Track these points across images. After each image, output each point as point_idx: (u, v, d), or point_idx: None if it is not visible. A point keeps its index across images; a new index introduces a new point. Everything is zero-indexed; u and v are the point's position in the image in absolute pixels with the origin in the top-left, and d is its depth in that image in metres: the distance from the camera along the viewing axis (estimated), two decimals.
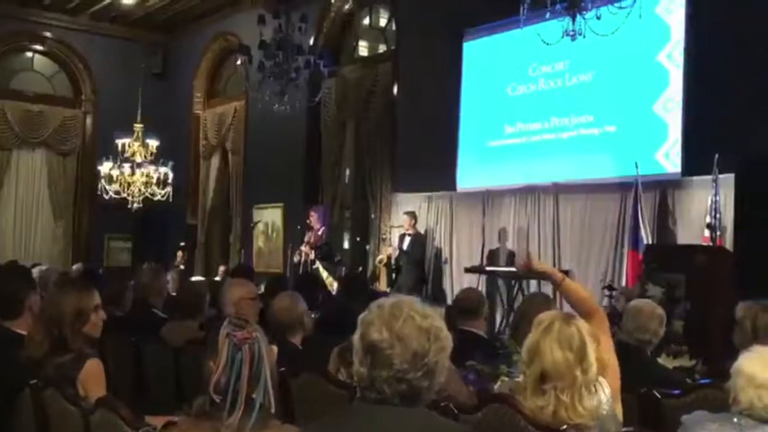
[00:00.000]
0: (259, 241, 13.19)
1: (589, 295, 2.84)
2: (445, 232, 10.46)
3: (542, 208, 9.24)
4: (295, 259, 10.21)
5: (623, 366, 2.69)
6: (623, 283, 7.55)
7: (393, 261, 10.19)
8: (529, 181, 9.39)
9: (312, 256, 9.95)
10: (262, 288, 5.87)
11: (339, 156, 12.16)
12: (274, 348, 2.21)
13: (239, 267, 8.45)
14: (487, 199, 9.85)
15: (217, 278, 11.76)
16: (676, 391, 3.21)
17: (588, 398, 2.36)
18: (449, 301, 8.64)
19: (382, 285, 10.08)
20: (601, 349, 2.49)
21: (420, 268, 10.10)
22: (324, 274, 9.66)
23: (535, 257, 3.05)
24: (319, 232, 10.10)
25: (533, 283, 8.81)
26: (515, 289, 9.02)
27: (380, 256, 10.47)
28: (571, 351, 2.38)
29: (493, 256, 9.70)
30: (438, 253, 10.50)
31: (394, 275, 10.07)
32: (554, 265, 8.50)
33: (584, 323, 2.48)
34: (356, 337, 1.77)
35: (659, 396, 3.13)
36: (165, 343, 4.30)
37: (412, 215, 10.15)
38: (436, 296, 10.08)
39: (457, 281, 10.06)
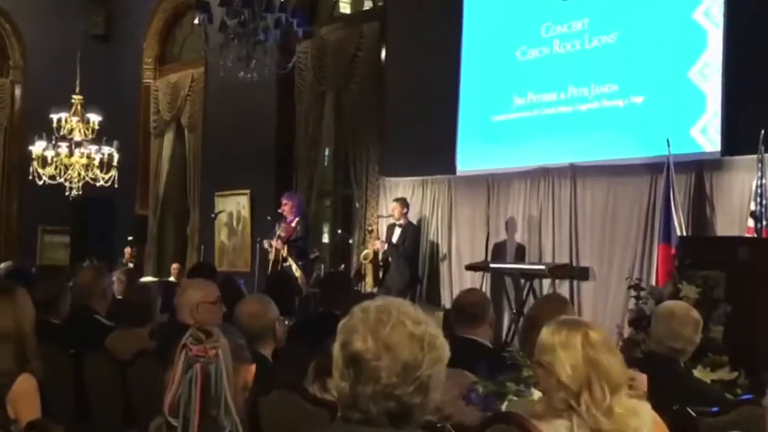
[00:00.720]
0: (221, 235, 13.23)
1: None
2: (443, 223, 10.51)
3: (557, 193, 9.30)
4: (265, 245, 10.23)
5: (652, 379, 2.78)
6: (652, 282, 7.59)
7: (381, 256, 10.23)
8: (542, 162, 9.45)
9: (285, 252, 9.94)
10: None
11: (316, 133, 12.20)
12: (252, 367, 2.23)
13: (198, 265, 8.33)
14: (492, 183, 9.93)
15: (172, 279, 11.96)
16: (715, 409, 3.23)
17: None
18: (447, 305, 8.83)
19: (369, 285, 10.14)
20: None
21: (412, 265, 10.16)
22: (297, 273, 9.70)
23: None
24: (293, 224, 9.97)
25: (546, 282, 8.94)
26: (526, 289, 9.08)
27: (365, 251, 10.53)
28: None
29: (499, 251, 9.76)
30: (434, 247, 10.55)
31: (381, 273, 10.12)
32: (571, 261, 8.85)
33: (601, 330, 2.55)
34: (336, 347, 1.78)
35: (695, 414, 3.15)
36: (110, 355, 4.33)
37: (403, 202, 10.22)
38: (432, 298, 10.26)
39: (456, 281, 10.12)
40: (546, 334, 2.54)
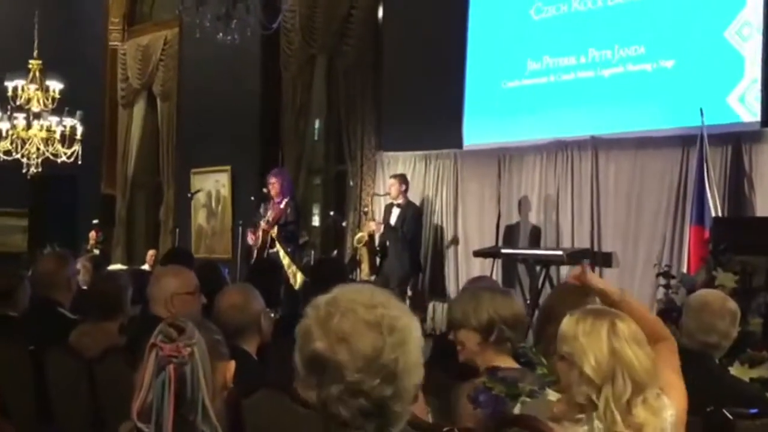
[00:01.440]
0: (199, 218, 13.24)
1: (656, 319, 2.96)
2: (448, 204, 10.60)
3: (577, 169, 9.34)
4: (249, 240, 10.09)
5: (684, 378, 2.76)
6: (683, 269, 7.60)
7: (377, 240, 10.26)
8: (560, 134, 9.50)
9: (275, 233, 9.86)
10: None
11: (305, 102, 12.20)
12: (231, 364, 2.22)
13: (173, 251, 8.33)
14: (504, 159, 10.03)
15: (144, 267, 11.98)
16: (754, 410, 3.21)
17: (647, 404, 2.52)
18: (453, 295, 8.96)
19: (365, 273, 10.14)
20: (668, 390, 2.62)
21: (413, 250, 10.19)
22: (285, 260, 9.64)
23: (591, 272, 3.09)
24: (281, 205, 9.83)
25: (565, 269, 8.96)
26: (541, 277, 9.11)
27: (359, 234, 10.54)
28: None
29: (511, 235, 9.87)
30: (438, 231, 10.64)
31: (378, 260, 10.14)
32: (592, 246, 8.90)
33: (630, 321, 2.59)
34: (295, 354, 1.81)
35: (731, 416, 3.14)
36: (75, 352, 4.31)
37: (401, 179, 10.22)
38: (435, 289, 10.38)
39: (463, 269, 10.22)
40: (568, 322, 2.58)
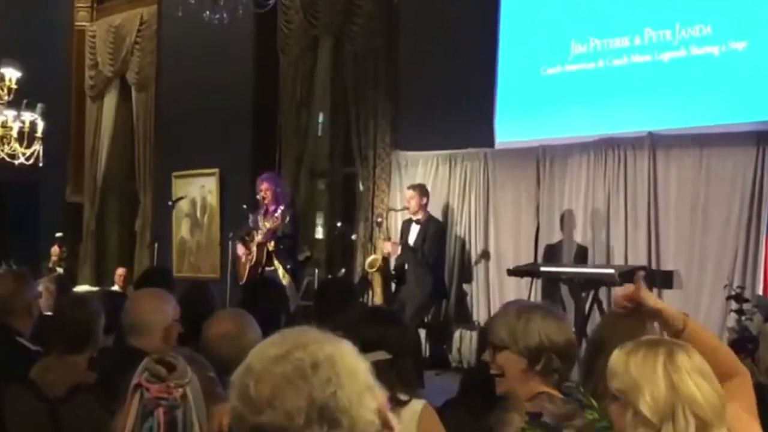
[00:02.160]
0: (182, 230, 13.18)
1: (726, 350, 2.94)
2: (477, 213, 10.53)
3: (631, 172, 9.29)
4: (238, 250, 10.12)
5: (760, 419, 2.75)
6: (758, 291, 7.62)
7: (393, 263, 10.24)
8: (610, 130, 9.47)
9: (271, 247, 9.87)
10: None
11: (307, 92, 12.12)
12: (227, 407, 2.22)
13: (151, 271, 8.25)
14: (544, 159, 9.97)
15: (116, 288, 11.92)
16: None
17: None
18: (483, 323, 8.95)
19: (378, 297, 10.15)
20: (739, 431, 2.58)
21: (436, 273, 10.14)
22: (285, 280, 9.58)
23: (646, 289, 3.05)
24: (277, 214, 9.79)
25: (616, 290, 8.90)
26: (589, 301, 9.09)
27: (371, 258, 10.47)
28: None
29: (552, 250, 9.84)
30: (465, 245, 10.60)
31: (395, 285, 10.12)
32: (650, 263, 8.85)
33: (692, 351, 2.58)
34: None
35: None
36: (37, 390, 4.29)
37: (420, 190, 10.18)
38: (463, 316, 10.35)
39: (495, 290, 10.18)
40: (618, 355, 2.58)
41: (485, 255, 10.44)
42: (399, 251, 10.10)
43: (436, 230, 10.12)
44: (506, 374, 3.21)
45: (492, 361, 3.24)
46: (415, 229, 10.07)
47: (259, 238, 9.82)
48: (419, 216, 10.08)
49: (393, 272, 10.19)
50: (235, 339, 3.91)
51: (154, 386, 1.97)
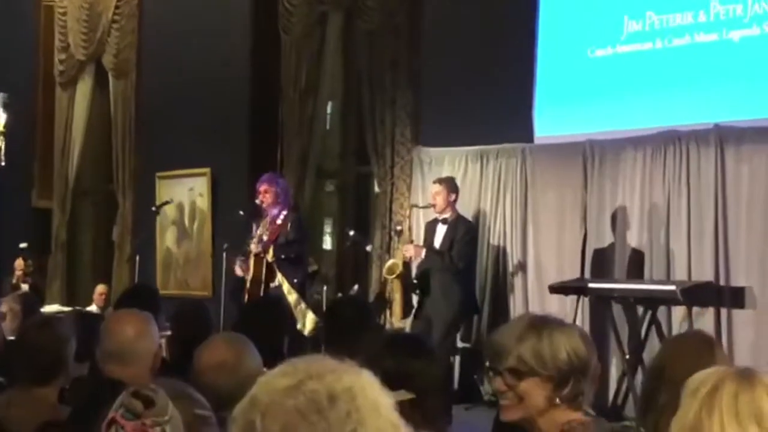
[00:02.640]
0: (167, 240, 13.22)
1: None
2: (514, 219, 10.57)
3: (695, 171, 9.27)
4: (237, 272, 10.09)
5: None
6: None
7: (416, 270, 10.22)
8: (670, 122, 9.47)
9: (270, 257, 9.85)
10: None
11: (314, 79, 12.09)
12: None
13: (134, 289, 8.21)
14: (592, 156, 9.93)
15: (93, 308, 12.11)
16: None
17: None
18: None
19: (397, 316, 10.11)
20: None
21: (466, 283, 10.09)
22: (291, 297, 9.62)
23: None
24: (279, 220, 9.91)
25: (678, 310, 8.96)
26: (646, 322, 9.10)
27: (390, 262, 10.43)
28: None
29: (602, 262, 9.77)
30: (499, 259, 10.60)
31: (417, 297, 10.07)
32: (717, 277, 9.04)
33: None
34: None
35: None
36: (1, 428, 4.33)
37: (449, 185, 10.15)
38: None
39: (536, 308, 9.89)
40: (694, 389, 2.50)
41: (523, 268, 10.44)
42: (423, 255, 10.09)
43: (466, 231, 10.07)
44: (527, 403, 3.17)
45: (508, 389, 3.18)
46: (441, 230, 10.06)
47: (255, 247, 9.83)
48: (446, 215, 10.06)
49: (415, 280, 10.19)
50: (232, 369, 3.99)
51: (129, 423, 2.06)
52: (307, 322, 9.60)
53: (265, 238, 9.87)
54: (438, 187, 10.10)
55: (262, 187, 10.07)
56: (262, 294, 9.73)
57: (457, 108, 10.71)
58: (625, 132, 9.78)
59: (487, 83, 10.48)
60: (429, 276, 10.05)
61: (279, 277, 9.80)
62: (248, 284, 9.95)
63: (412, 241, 10.41)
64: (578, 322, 8.86)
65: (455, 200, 10.10)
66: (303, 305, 9.69)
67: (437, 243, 10.03)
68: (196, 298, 10.95)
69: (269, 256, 9.82)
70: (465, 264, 10.02)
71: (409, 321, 10.04)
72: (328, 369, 1.83)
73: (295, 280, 9.83)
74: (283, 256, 9.84)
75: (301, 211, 11.04)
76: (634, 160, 9.69)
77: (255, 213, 10.27)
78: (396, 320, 10.08)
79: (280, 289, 9.72)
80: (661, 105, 9.62)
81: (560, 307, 9.55)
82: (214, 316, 9.34)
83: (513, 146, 10.53)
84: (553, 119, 10.45)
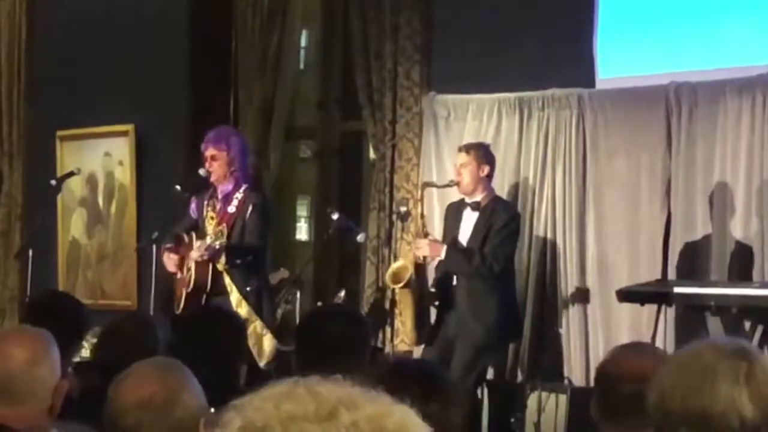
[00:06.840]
0: (73, 227, 12.35)
1: None
2: (568, 198, 9.64)
3: None
4: (168, 265, 9.14)
5: None
6: None
7: (434, 274, 9.21)
8: None
9: (221, 262, 8.95)
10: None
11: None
12: None
13: (46, 299, 7.54)
14: (678, 105, 9.21)
15: None
16: None
17: None
18: (578, 380, 9.08)
19: (408, 335, 9.19)
20: None
21: (506, 292, 8.96)
22: (242, 310, 8.64)
23: None
24: (233, 203, 9.03)
25: None
26: (756, 340, 8.45)
27: (396, 264, 9.37)
28: None
29: (693, 257, 9.22)
30: (547, 252, 9.75)
31: (436, 312, 8.96)
32: None
33: None
34: None
35: None
36: None
37: (481, 153, 8.99)
38: (544, 368, 9.65)
39: (599, 325, 9.38)
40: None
41: (581, 265, 9.45)
42: (443, 254, 8.79)
43: (508, 221, 8.80)
44: None
45: None
46: (470, 217, 8.86)
47: (197, 254, 8.77)
48: (478, 197, 8.82)
49: (432, 290, 9.07)
50: (163, 408, 3.93)
51: None
52: (264, 347, 8.65)
53: (215, 241, 8.70)
54: (465, 156, 8.85)
55: (208, 151, 9.06)
56: (202, 305, 8.79)
57: (485, 38, 9.70)
58: (724, 71, 9.03)
59: (528, 3, 9.70)
60: (451, 283, 8.87)
61: (228, 282, 8.77)
62: (182, 290, 8.98)
63: (426, 234, 9.04)
64: (659, 341, 8.21)
65: (490, 175, 8.87)
66: (258, 323, 8.62)
67: (464, 237, 8.84)
68: (115, 309, 10.31)
69: (220, 264, 8.78)
70: (503, 266, 8.80)
71: (420, 349, 8.93)
72: (355, 395, 1.73)
73: (248, 288, 8.73)
74: (237, 257, 8.81)
75: (265, 186, 10.09)
76: (738, 112, 8.82)
77: (198, 186, 9.25)
78: (405, 342, 9.13)
79: (226, 299, 8.70)
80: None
81: (634, 320, 9.00)
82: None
83: (566, 92, 9.47)
84: (622, 56, 9.65)
